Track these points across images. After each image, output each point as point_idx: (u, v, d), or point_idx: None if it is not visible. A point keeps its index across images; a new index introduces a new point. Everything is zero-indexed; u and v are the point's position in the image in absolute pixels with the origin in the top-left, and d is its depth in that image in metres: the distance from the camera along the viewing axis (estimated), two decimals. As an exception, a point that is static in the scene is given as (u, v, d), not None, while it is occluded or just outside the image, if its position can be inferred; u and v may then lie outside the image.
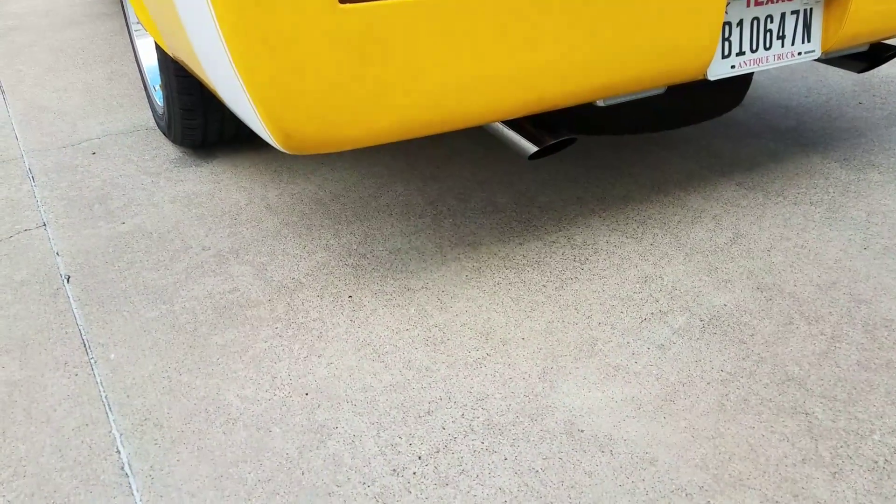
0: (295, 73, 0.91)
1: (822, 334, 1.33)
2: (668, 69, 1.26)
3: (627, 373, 1.24)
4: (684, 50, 1.25)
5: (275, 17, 0.90)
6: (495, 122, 1.21)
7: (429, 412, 1.15)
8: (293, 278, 1.52)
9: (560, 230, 1.73)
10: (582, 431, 1.11)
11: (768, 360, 1.26)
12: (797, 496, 1.00)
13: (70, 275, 1.55)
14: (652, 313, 1.40)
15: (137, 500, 1.00)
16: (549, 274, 1.55)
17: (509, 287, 1.50)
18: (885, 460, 1.05)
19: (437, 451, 1.07)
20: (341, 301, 1.44)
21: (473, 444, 1.09)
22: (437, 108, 1.07)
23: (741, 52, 1.36)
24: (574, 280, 1.52)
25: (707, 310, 1.41)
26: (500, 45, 1.08)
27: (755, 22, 1.36)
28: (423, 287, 1.49)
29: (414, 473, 1.03)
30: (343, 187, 1.94)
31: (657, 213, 1.79)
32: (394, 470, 1.04)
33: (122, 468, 1.05)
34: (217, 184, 1.96)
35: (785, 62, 1.42)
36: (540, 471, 1.04)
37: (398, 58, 1.00)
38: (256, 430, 1.12)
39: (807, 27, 1.43)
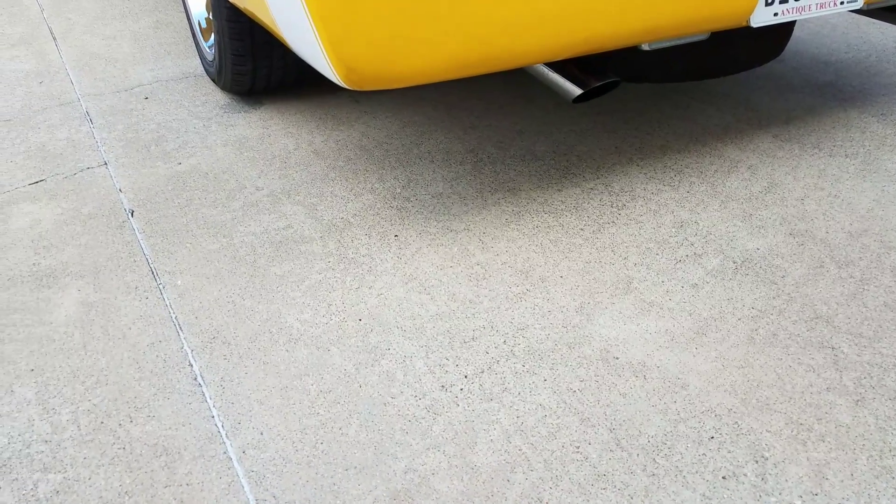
0: (358, 9, 0.96)
1: (851, 277, 1.37)
2: (712, 14, 1.28)
3: (661, 308, 1.30)
4: (729, -3, 1.27)
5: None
6: (543, 62, 1.25)
7: (473, 338, 1.23)
8: (342, 218, 1.60)
9: (598, 178, 1.77)
10: (617, 359, 1.19)
11: (798, 299, 1.31)
12: (821, 420, 1.06)
13: (134, 209, 1.66)
14: (686, 255, 1.45)
15: (210, 406, 1.11)
16: (586, 218, 1.60)
17: (548, 230, 1.56)
18: (907, 391, 1.11)
19: (482, 372, 1.16)
20: (388, 239, 1.52)
21: (515, 367, 1.17)
22: (490, 46, 1.11)
23: (784, 0, 1.37)
24: (611, 224, 1.58)
25: (740, 253, 1.46)
26: None
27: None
28: (465, 228, 1.56)
29: (461, 389, 1.12)
30: (386, 135, 2.00)
31: (694, 162, 1.82)
32: (442, 386, 1.13)
33: (195, 379, 1.16)
34: (266, 129, 2.03)
35: (828, 11, 1.42)
36: (577, 391, 1.12)
37: None
38: (316, 348, 1.21)
39: (854, -25, 1.43)
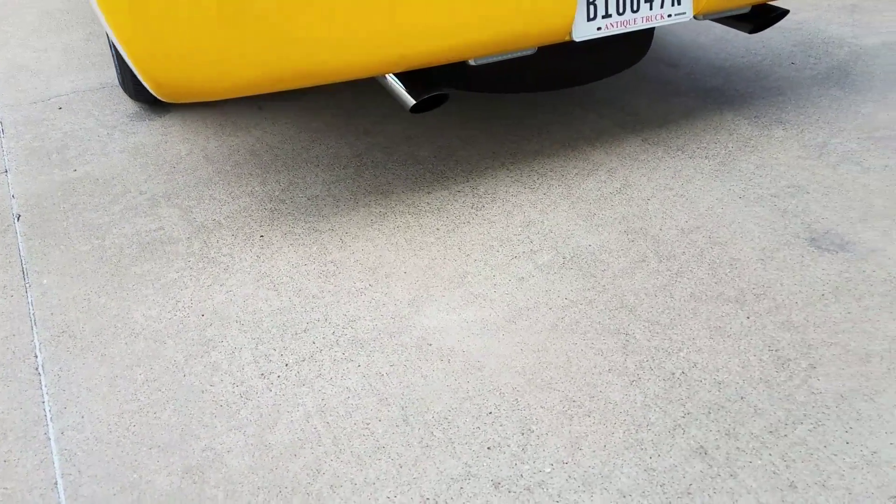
0: (160, 25, 1.06)
1: (668, 270, 1.48)
2: (530, 30, 1.39)
3: (485, 299, 1.41)
4: (544, 12, 1.37)
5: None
6: (365, 76, 1.35)
7: (305, 330, 1.34)
8: (214, 220, 1.70)
9: (468, 181, 1.88)
10: (430, 345, 1.29)
11: (610, 290, 1.42)
12: (593, 397, 1.17)
13: (21, 214, 1.76)
14: (523, 252, 1.56)
15: (44, 392, 1.21)
16: (445, 219, 1.71)
17: (406, 230, 1.67)
18: (682, 373, 1.22)
19: (303, 360, 1.26)
20: (252, 240, 1.62)
21: (335, 355, 1.27)
22: (304, 62, 1.22)
23: (608, 15, 1.48)
24: (466, 224, 1.68)
25: (572, 249, 1.56)
26: (360, 3, 1.22)
27: (619, -14, 1.48)
28: (329, 229, 1.66)
29: (278, 377, 1.23)
30: (279, 140, 2.11)
31: (560, 166, 1.93)
32: (262, 374, 1.23)
33: (37, 369, 1.26)
34: (165, 136, 2.13)
35: (654, 23, 1.53)
36: (384, 374, 1.22)
37: (261, 13, 1.14)
38: (154, 341, 1.32)
39: (674, -10, 1.54)
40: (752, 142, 2.02)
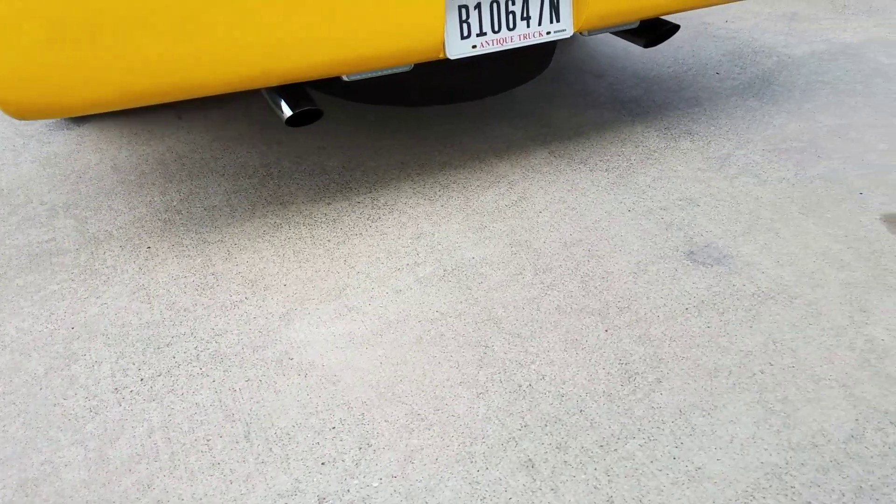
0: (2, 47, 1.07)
1: (541, 283, 1.50)
2: (401, 48, 1.41)
3: (358, 312, 1.43)
4: (413, 31, 1.39)
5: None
6: (227, 92, 1.37)
7: (168, 344, 1.35)
8: (106, 231, 1.72)
9: (370, 192, 1.90)
10: (291, 359, 1.31)
11: (481, 303, 1.44)
12: (438, 410, 1.19)
13: (-83, 226, 1.77)
14: (407, 264, 1.58)
15: None
16: (338, 230, 1.72)
17: (297, 241, 1.69)
18: (529, 385, 1.24)
19: (159, 375, 1.28)
20: (139, 251, 1.64)
21: (192, 370, 1.29)
22: (155, 80, 1.23)
23: (482, 33, 1.50)
24: (358, 236, 1.70)
25: (455, 261, 1.58)
26: (211, 21, 1.23)
27: (495, 5, 1.49)
28: (218, 240, 1.68)
29: (131, 391, 1.24)
30: (190, 149, 2.12)
31: (464, 178, 1.95)
32: (115, 388, 1.25)
33: None
34: (79, 145, 2.14)
35: (533, 41, 1.56)
36: (237, 390, 1.24)
37: (106, 32, 1.15)
38: (19, 354, 1.33)
39: (554, 8, 1.56)
40: (657, 154, 2.05)
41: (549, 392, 1.23)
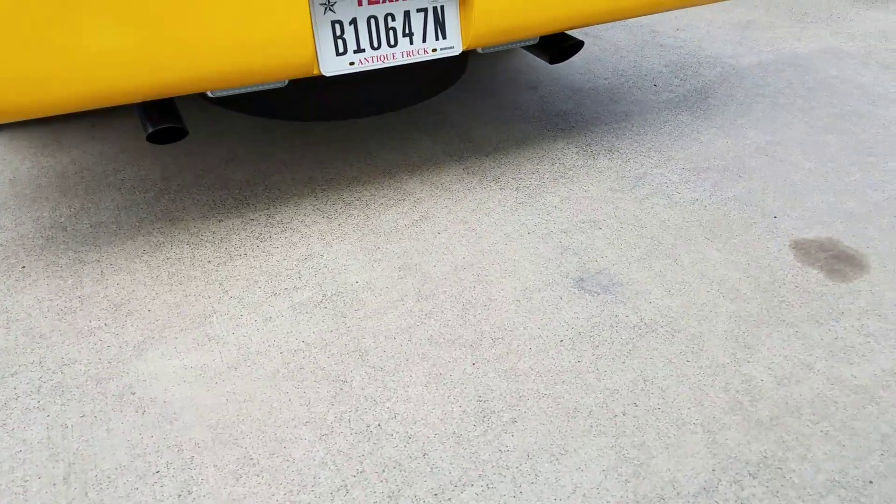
0: None
1: (420, 311, 1.44)
2: (263, 66, 1.35)
3: (218, 342, 1.36)
4: (275, 47, 1.33)
5: None
6: (88, 108, 1.30)
7: (13, 374, 1.29)
8: (-17, 249, 1.66)
9: (268, 208, 1.83)
10: (133, 394, 1.25)
11: (353, 332, 1.38)
12: (274, 454, 1.13)
13: None
14: (285, 289, 1.52)
15: None
16: (223, 250, 1.66)
17: (177, 262, 1.62)
18: (378, 425, 1.17)
19: (-6, 407, 1.22)
20: (12, 272, 1.57)
21: (29, 403, 1.22)
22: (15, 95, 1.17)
23: (360, 50, 1.44)
24: (242, 257, 1.64)
25: (338, 286, 1.52)
26: (61, 36, 1.17)
27: (373, 20, 1.43)
28: (95, 260, 1.62)
29: (-42, 425, 1.18)
30: (94, 161, 2.06)
31: (370, 195, 1.89)
32: (-58, 422, 1.19)
33: None
34: (-20, 157, 2.08)
35: (418, 58, 1.49)
36: (69, 426, 1.18)
37: None
38: None
39: (439, 24, 1.49)
40: (572, 172, 1.98)
41: (396, 433, 1.16)
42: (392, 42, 1.45)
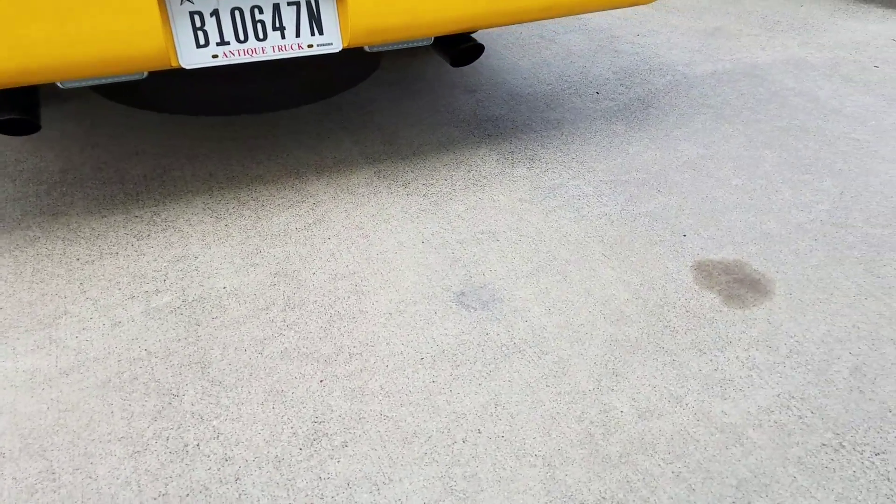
0: None
1: (283, 321, 1.36)
2: (113, 56, 1.27)
3: (58, 346, 1.29)
4: (123, 38, 1.25)
5: None
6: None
7: None
8: None
9: (156, 205, 1.75)
10: (-48, 398, 1.18)
11: (203, 341, 1.30)
12: (77, 469, 1.04)
13: None
14: (146, 292, 1.44)
15: None
16: (96, 248, 1.58)
17: (46, 258, 1.54)
18: (197, 445, 1.09)
19: None
20: None
21: None
22: None
23: (224, 42, 1.36)
24: (113, 256, 1.56)
25: (203, 291, 1.44)
26: None
27: (238, 12, 1.35)
28: (-39, 253, 1.55)
29: None
30: (2, 148, 2.00)
31: (269, 195, 1.81)
32: None
33: None
34: None
35: (291, 53, 1.41)
36: None
37: None
38: None
39: (314, 19, 1.41)
40: (485, 180, 1.90)
41: (214, 454, 1.09)
42: (261, 35, 1.37)
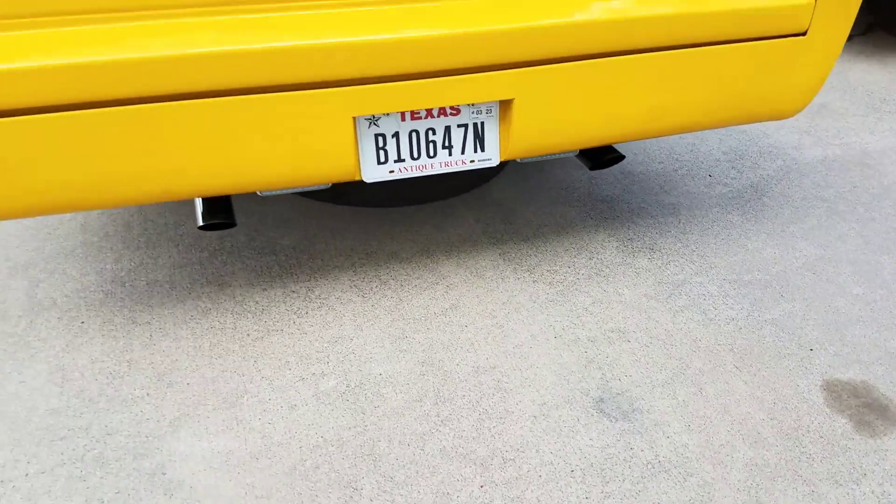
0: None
1: (437, 416, 1.48)
2: (309, 173, 1.42)
3: (245, 427, 1.45)
4: (321, 157, 1.40)
5: None
6: (137, 204, 1.41)
7: (62, 438, 1.41)
8: (52, 298, 1.80)
9: (308, 280, 1.91)
10: (164, 475, 1.34)
11: (370, 431, 1.44)
12: (279, 560, 1.19)
13: None
14: (313, 374, 1.59)
15: None
16: (262, 323, 1.75)
17: (219, 332, 1.72)
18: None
19: (43, 473, 1.33)
20: (72, 326, 1.71)
21: (73, 471, 1.34)
22: (76, 195, 1.29)
23: (400, 160, 1.50)
24: (278, 332, 1.72)
25: (362, 376, 1.58)
26: (120, 151, 1.28)
27: (415, 134, 1.49)
28: (146, 322, 1.73)
29: (13, 486, 1.30)
30: (159, 212, 2.20)
31: (405, 274, 1.95)
32: (1, 481, 1.31)
33: None
34: (60, 196, 2.25)
35: (455, 168, 1.54)
36: (105, 502, 1.28)
37: (39, 158, 1.22)
38: (-76, 430, 1.41)
39: (479, 138, 1.54)
40: (608, 270, 1.99)
41: (396, 553, 1.21)
42: (431, 153, 1.51)
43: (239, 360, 1.63)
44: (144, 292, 1.84)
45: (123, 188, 1.33)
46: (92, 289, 1.85)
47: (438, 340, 1.70)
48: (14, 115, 1.19)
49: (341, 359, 1.64)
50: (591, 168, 1.83)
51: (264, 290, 1.88)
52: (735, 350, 1.70)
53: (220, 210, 1.52)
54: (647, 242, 2.12)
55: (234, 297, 1.84)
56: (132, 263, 1.95)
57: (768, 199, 2.41)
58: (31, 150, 1.23)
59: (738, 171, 2.59)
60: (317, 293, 1.87)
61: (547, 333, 1.73)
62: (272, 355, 1.65)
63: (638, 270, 1.99)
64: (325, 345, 1.69)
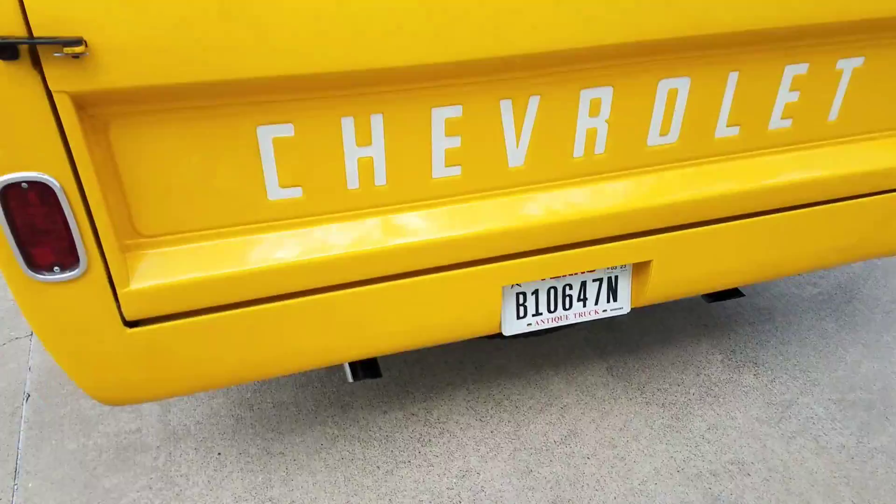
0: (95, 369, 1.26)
1: (576, 567, 1.53)
2: (459, 331, 1.50)
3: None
4: (469, 321, 1.48)
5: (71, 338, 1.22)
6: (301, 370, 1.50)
7: (225, 587, 1.48)
8: (185, 425, 1.88)
9: (425, 401, 1.98)
10: None
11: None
12: None
13: (30, 393, 2.00)
14: (449, 514, 1.65)
15: None
16: (389, 453, 1.81)
17: (350, 463, 1.78)
18: None
19: None
20: (209, 458, 1.79)
21: None
22: (239, 372, 1.38)
23: (538, 314, 1.56)
24: (406, 464, 1.78)
25: (496, 519, 1.63)
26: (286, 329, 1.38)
27: (552, 290, 1.55)
28: (280, 452, 1.81)
29: None
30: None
31: (517, 394, 2.00)
32: None
33: None
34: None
35: (588, 318, 1.60)
36: None
37: (179, 355, 1.31)
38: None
39: (612, 290, 1.60)
40: (717, 389, 2.02)
41: None
42: (567, 306, 1.58)
43: (374, 498, 1.69)
44: (273, 416, 1.92)
45: (304, 359, 1.41)
46: (222, 413, 1.93)
47: (564, 475, 1.75)
48: (227, 310, 1.28)
49: (472, 497, 1.70)
50: (709, 301, 1.88)
51: (384, 412, 1.95)
52: (851, 483, 1.73)
53: (370, 366, 1.60)
54: (750, 355, 2.16)
55: (357, 422, 1.91)
56: (255, 384, 2.03)
57: (858, 302, 2.42)
58: (231, 337, 1.32)
59: (825, 271, 2.61)
60: (435, 416, 1.93)
61: (669, 466, 1.77)
62: (405, 493, 1.71)
63: (746, 389, 2.02)
64: (454, 480, 1.74)
